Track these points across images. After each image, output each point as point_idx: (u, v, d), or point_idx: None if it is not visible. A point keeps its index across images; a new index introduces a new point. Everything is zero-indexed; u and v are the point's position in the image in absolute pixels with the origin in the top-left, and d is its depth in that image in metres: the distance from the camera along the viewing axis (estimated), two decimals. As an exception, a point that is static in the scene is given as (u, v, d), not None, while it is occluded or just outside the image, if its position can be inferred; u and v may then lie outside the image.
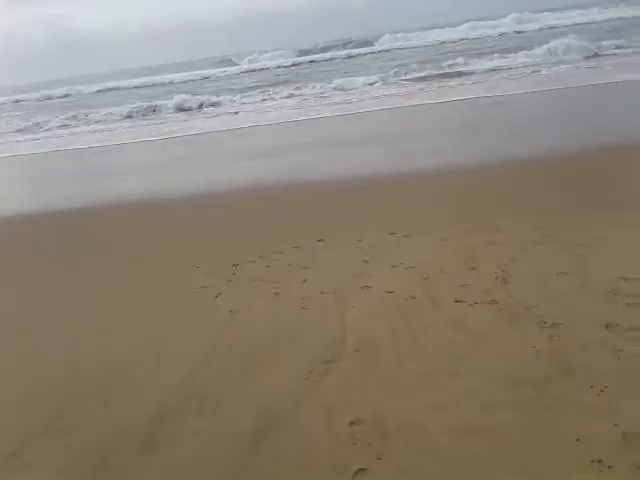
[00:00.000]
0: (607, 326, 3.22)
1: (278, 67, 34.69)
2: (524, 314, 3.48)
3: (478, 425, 2.63)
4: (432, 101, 13.99)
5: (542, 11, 43.14)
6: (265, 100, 18.67)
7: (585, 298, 3.56)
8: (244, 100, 19.24)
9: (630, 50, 17.59)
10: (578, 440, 2.48)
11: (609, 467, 2.33)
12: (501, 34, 33.96)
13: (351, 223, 5.71)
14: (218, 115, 17.39)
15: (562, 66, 16.60)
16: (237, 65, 42.73)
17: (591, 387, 2.77)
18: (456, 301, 3.77)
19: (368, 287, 4.17)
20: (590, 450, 2.42)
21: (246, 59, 46.20)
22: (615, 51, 17.91)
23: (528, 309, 3.53)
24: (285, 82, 23.24)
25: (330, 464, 2.54)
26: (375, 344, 3.41)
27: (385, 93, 16.24)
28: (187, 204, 7.42)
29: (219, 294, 4.40)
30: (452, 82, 16.72)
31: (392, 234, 5.16)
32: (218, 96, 20.47)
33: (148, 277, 5.02)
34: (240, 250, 5.28)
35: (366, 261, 4.65)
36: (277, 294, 4.27)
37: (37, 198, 9.59)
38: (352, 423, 2.76)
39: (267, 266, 4.82)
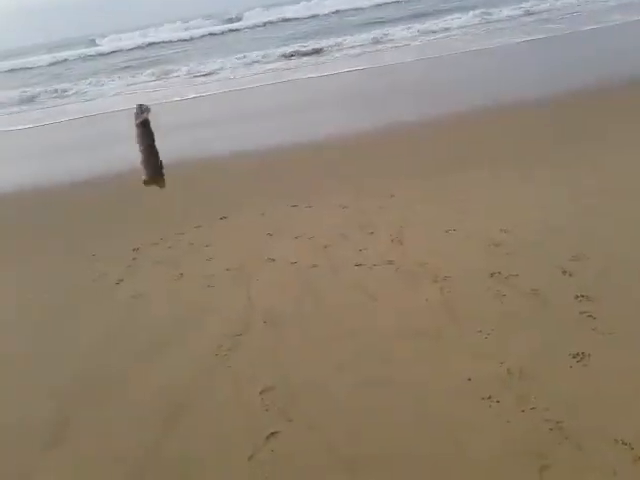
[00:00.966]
0: (491, 275, 3.51)
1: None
2: (417, 271, 3.71)
3: (377, 378, 2.81)
4: (316, 74, 14.10)
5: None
6: (158, 79, 17.87)
7: (470, 251, 3.85)
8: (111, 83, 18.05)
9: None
10: (469, 380, 2.72)
11: (497, 401, 2.58)
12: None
13: (253, 198, 5.70)
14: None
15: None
16: (99, 46, 39.31)
17: (479, 332, 3.03)
18: (356, 265, 3.93)
19: (272, 260, 4.23)
20: (480, 388, 2.66)
21: (107, 39, 42.59)
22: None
23: (421, 266, 3.76)
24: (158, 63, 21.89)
25: (244, 432, 2.62)
26: (281, 314, 3.50)
27: (268, 68, 16.07)
28: (81, 189, 7.05)
29: (120, 280, 4.28)
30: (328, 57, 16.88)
31: (294, 206, 5.23)
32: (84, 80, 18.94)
33: (43, 270, 4.77)
34: (140, 233, 5.14)
35: (270, 234, 4.70)
36: (181, 275, 4.22)
37: None
38: (262, 392, 2.84)
39: (169, 247, 4.74)
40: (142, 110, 3.52)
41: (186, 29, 39.56)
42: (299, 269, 4.02)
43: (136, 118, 3.51)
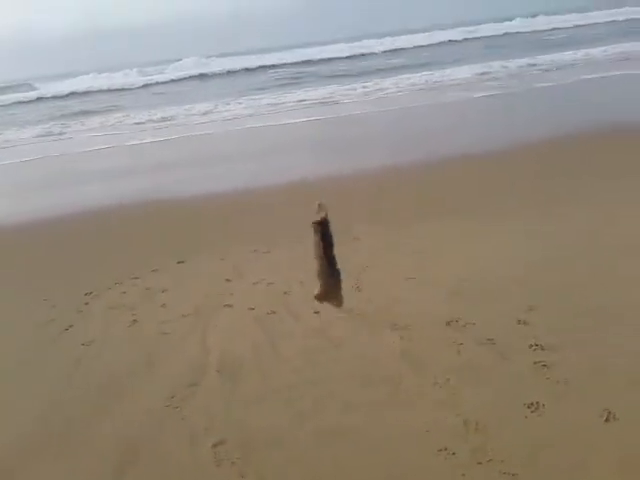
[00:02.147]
0: (448, 323, 3.54)
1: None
2: (377, 318, 3.70)
3: (337, 427, 2.75)
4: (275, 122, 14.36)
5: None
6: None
7: (430, 299, 3.88)
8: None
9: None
10: (427, 431, 2.69)
11: (453, 453, 2.55)
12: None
13: (212, 242, 5.65)
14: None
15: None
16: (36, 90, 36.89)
17: (436, 382, 3.02)
18: (315, 312, 3.90)
19: (230, 306, 4.16)
20: (437, 439, 2.64)
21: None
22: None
23: (381, 314, 3.76)
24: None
25: (194, 489, 2.49)
26: (237, 362, 3.41)
27: (217, 117, 16.18)
28: (34, 231, 6.84)
29: (70, 326, 4.11)
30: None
31: (254, 251, 5.21)
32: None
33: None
34: (93, 277, 4.99)
35: (228, 280, 4.64)
36: (135, 321, 4.09)
37: None
38: (215, 445, 2.73)
39: (123, 292, 4.61)
40: (321, 209, 3.05)
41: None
42: (257, 316, 3.96)
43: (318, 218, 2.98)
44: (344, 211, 6.11)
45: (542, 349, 3.17)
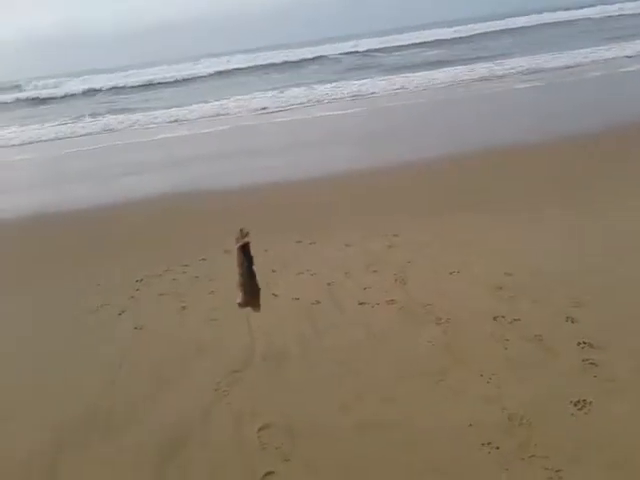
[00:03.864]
0: (494, 318, 3.50)
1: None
2: (421, 312, 3.71)
3: (379, 419, 2.78)
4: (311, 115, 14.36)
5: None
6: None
7: (474, 293, 3.85)
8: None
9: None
10: (470, 425, 2.69)
11: (497, 448, 2.55)
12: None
13: (257, 233, 5.65)
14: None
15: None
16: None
17: (481, 376, 3.01)
18: (359, 303, 3.93)
19: (276, 295, 4.24)
20: (481, 434, 2.63)
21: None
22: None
23: (424, 307, 3.76)
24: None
25: (239, 471, 2.58)
26: (282, 351, 3.49)
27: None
28: (89, 217, 7.14)
29: (123, 311, 4.29)
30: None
31: (298, 242, 5.27)
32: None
33: (46, 298, 4.79)
34: (144, 265, 5.17)
35: (274, 270, 4.72)
36: (184, 307, 4.23)
37: None
38: (260, 429, 2.81)
39: (173, 280, 4.76)
40: (243, 234, 3.44)
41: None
42: (302, 306, 4.03)
43: (237, 242, 3.42)
44: (385, 204, 6.14)
45: (591, 347, 3.11)
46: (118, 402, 3.23)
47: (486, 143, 8.26)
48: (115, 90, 30.63)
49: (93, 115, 18.90)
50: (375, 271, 4.41)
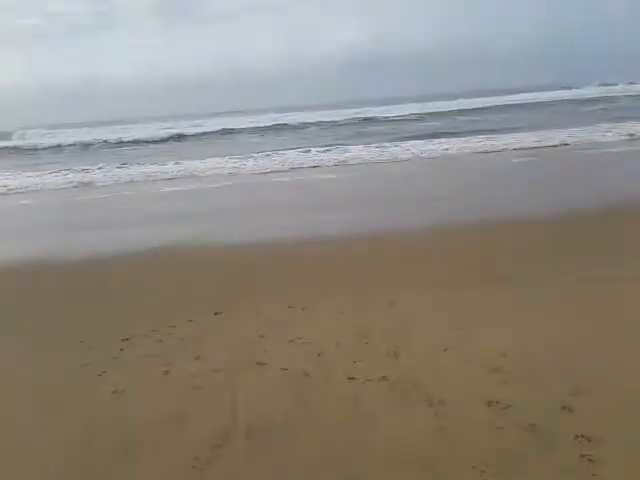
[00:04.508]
0: (488, 404, 3.37)
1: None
2: (413, 391, 3.56)
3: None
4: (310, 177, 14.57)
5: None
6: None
7: (468, 374, 3.72)
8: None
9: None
10: (461, 522, 2.52)
11: None
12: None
13: (250, 294, 5.66)
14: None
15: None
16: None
17: (473, 467, 2.85)
18: (349, 378, 3.79)
19: (263, 364, 4.09)
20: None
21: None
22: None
23: (417, 386, 3.62)
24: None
25: None
26: (267, 426, 3.32)
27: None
28: (78, 270, 7.03)
29: (103, 372, 4.12)
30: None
31: (290, 307, 5.17)
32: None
33: (23, 353, 4.63)
34: (132, 322, 5.04)
35: (262, 336, 4.60)
36: (167, 372, 4.07)
37: None
38: (237, 516, 2.63)
39: (159, 341, 4.61)
40: None
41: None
42: (290, 376, 3.88)
43: None
44: (382, 272, 6.08)
45: (588, 441, 2.96)
46: (88, 471, 3.04)
47: (484, 214, 8.31)
48: (123, 143, 31.19)
49: (100, 167, 19.06)
50: (367, 343, 4.29)
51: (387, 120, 34.59)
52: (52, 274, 6.93)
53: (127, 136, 33.03)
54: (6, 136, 37.83)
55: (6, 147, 31.76)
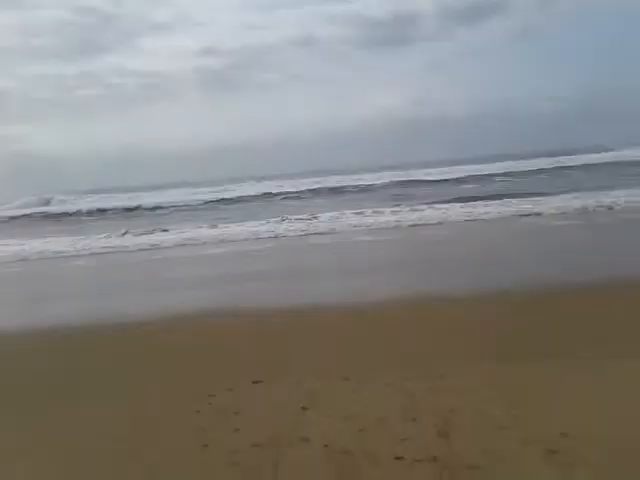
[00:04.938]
0: (549, 492, 3.07)
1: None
2: (466, 475, 3.29)
3: None
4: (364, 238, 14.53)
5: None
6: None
7: (525, 456, 3.43)
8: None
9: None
10: None
11: None
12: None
13: (290, 363, 5.51)
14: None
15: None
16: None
17: None
18: (396, 458, 3.54)
19: (304, 439, 3.88)
20: None
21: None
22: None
23: (470, 469, 3.34)
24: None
25: None
26: (308, 510, 3.10)
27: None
28: (110, 336, 7.05)
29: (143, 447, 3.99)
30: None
31: (332, 377, 4.98)
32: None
33: (40, 427, 4.55)
34: (169, 392, 4.94)
35: (304, 408, 4.40)
36: (206, 445, 3.90)
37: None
38: None
39: (197, 411, 4.47)
40: None
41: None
42: (331, 454, 3.65)
43: None
44: (427, 342, 5.84)
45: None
46: None
47: (532, 282, 8.02)
48: (164, 207, 32.19)
49: (138, 230, 19.58)
50: (414, 419, 4.04)
51: (426, 183, 34.78)
52: (86, 339, 6.96)
53: (168, 200, 34.11)
54: (49, 202, 39.75)
55: (48, 212, 33.09)
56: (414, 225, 16.18)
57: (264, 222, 18.84)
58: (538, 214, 16.02)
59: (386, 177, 38.22)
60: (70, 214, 32.20)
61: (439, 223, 16.19)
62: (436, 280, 8.83)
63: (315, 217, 18.90)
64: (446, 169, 42.12)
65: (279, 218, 19.24)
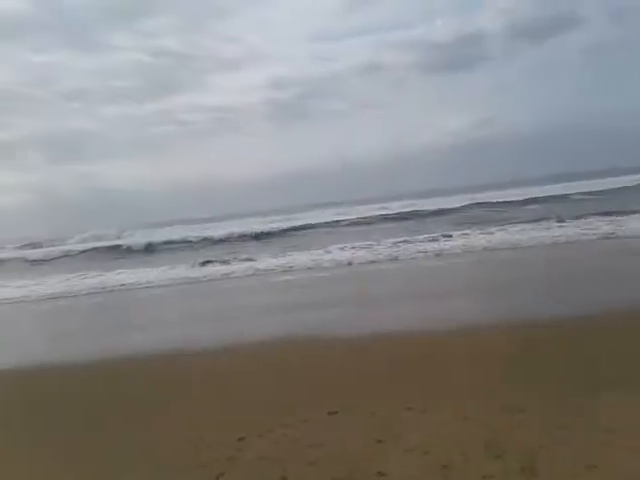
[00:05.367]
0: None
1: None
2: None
3: None
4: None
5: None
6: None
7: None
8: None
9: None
10: None
11: None
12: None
13: (363, 392, 5.46)
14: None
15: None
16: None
17: None
18: (483, 497, 3.41)
19: (383, 474, 3.81)
20: None
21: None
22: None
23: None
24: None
25: None
26: None
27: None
28: (187, 364, 7.25)
29: (221, 475, 4.05)
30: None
31: (408, 409, 4.87)
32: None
33: (143, 449, 4.70)
34: (246, 420, 5.00)
35: (380, 441, 4.33)
36: (283, 478, 3.91)
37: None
38: None
39: (274, 443, 4.49)
40: None
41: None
42: (414, 491, 3.57)
43: None
44: (510, 370, 5.61)
45: None
46: None
47: (626, 304, 7.58)
48: (244, 236, 32.91)
49: (209, 261, 20.13)
50: (498, 456, 3.87)
51: (496, 204, 33.85)
52: (174, 365, 7.19)
53: (240, 230, 34.94)
54: (124, 234, 41.74)
55: (125, 244, 34.63)
56: (484, 249, 15.75)
57: (333, 248, 18.95)
58: (618, 235, 15.17)
59: (455, 201, 37.48)
60: (145, 246, 33.64)
61: (513, 247, 15.65)
62: (513, 305, 8.51)
63: (382, 243, 18.79)
64: (518, 190, 40.76)
65: (346, 245, 19.29)
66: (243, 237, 32.87)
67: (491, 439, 4.12)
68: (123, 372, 7.19)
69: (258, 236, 32.52)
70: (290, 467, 4.06)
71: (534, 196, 35.14)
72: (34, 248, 40.48)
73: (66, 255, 33.82)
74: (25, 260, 32.91)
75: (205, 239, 33.68)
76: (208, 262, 19.84)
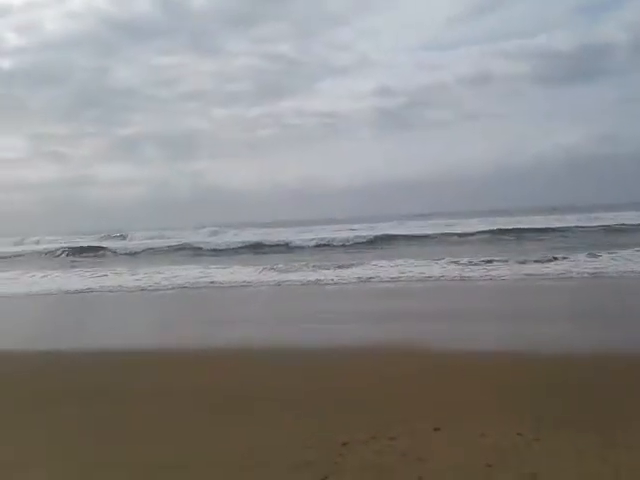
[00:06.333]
0: None
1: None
2: None
3: None
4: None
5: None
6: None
7: None
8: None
9: None
10: None
11: None
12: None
13: (472, 410, 5.25)
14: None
15: None
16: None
17: None
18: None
19: (494, 501, 3.64)
20: None
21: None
22: None
23: None
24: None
25: None
26: None
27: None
28: (284, 364, 7.40)
29: (326, 477, 4.06)
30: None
31: (519, 434, 4.62)
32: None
33: (246, 449, 4.83)
34: (351, 424, 4.98)
35: (489, 465, 4.13)
36: (393, 490, 3.85)
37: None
38: None
39: (378, 452, 4.44)
40: None
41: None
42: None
43: None
44: (622, 405, 5.17)
45: None
46: None
47: None
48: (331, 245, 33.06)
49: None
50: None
51: (605, 227, 31.44)
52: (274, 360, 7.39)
53: (330, 237, 35.04)
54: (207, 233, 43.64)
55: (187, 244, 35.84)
56: (591, 275, 14.68)
57: (414, 262, 18.63)
58: None
59: (567, 220, 35.34)
60: (254, 244, 34.68)
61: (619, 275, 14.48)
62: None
63: (489, 262, 18.05)
64: (637, 213, 37.57)
65: (431, 259, 18.89)
66: (358, 244, 32.60)
67: (612, 471, 3.81)
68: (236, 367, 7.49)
69: (372, 242, 32.51)
70: (395, 478, 3.99)
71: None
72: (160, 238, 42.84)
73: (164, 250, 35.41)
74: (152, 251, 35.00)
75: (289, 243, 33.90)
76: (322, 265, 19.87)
